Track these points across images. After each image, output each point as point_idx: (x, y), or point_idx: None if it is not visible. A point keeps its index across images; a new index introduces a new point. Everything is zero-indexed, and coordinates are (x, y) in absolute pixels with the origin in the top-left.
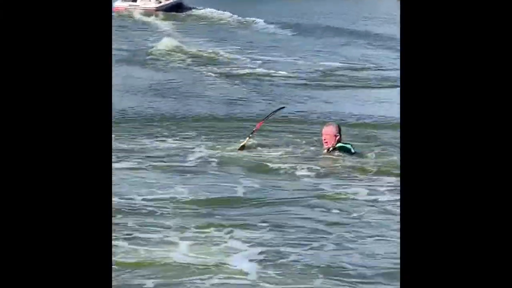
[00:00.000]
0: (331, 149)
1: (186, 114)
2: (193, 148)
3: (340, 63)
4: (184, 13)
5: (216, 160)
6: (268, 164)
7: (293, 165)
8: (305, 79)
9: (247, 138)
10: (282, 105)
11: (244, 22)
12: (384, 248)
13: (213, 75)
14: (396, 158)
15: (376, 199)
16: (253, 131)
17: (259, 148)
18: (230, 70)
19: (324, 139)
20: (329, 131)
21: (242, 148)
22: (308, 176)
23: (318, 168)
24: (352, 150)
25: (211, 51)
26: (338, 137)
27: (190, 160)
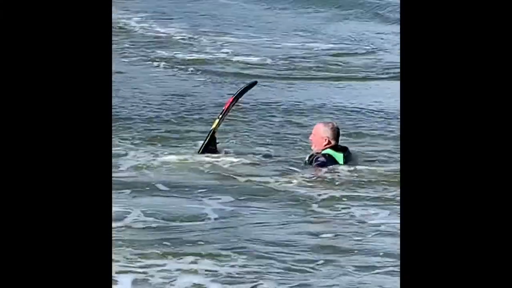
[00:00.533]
0: (315, 154)
1: (116, 112)
2: (127, 154)
3: (327, 44)
4: None
5: (157, 170)
6: (237, 176)
7: (270, 178)
8: (281, 68)
9: (216, 121)
10: (254, 80)
11: None
12: (391, 283)
13: (156, 62)
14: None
15: (380, 218)
16: (223, 111)
17: (223, 154)
18: (180, 55)
19: (311, 140)
20: (317, 130)
21: (209, 146)
22: (290, 191)
23: (304, 180)
24: (341, 161)
25: (154, 29)
26: (327, 141)
27: (122, 170)
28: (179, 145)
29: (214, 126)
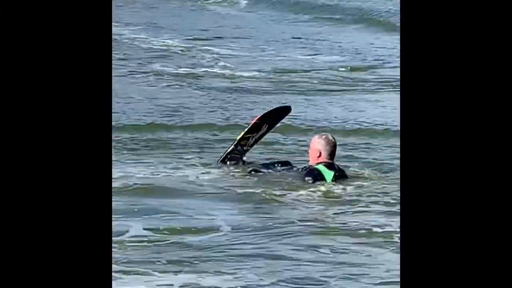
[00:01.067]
0: (307, 167)
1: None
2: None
3: (330, 56)
4: None
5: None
6: (239, 189)
7: (275, 190)
8: (278, 81)
9: (241, 133)
10: (286, 104)
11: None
12: None
13: (148, 74)
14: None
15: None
16: (251, 126)
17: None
18: (173, 68)
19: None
20: (312, 143)
21: (232, 154)
22: (298, 205)
23: (312, 193)
24: (328, 179)
25: (147, 41)
26: (319, 153)
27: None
28: (170, 157)
29: (238, 138)
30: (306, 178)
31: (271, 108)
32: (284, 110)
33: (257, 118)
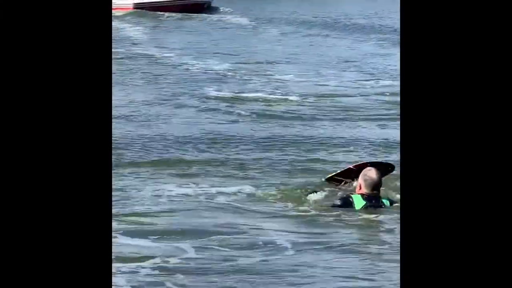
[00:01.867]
0: (345, 195)
1: (141, 148)
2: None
3: (382, 80)
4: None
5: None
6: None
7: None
8: (326, 105)
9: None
10: (390, 162)
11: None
12: None
13: (193, 97)
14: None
15: None
16: (349, 169)
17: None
18: (220, 92)
19: None
20: (359, 176)
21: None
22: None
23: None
24: (357, 207)
25: (194, 66)
26: (360, 187)
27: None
28: (217, 178)
29: (328, 176)
30: (334, 200)
31: (374, 161)
32: (386, 167)
33: (354, 165)
